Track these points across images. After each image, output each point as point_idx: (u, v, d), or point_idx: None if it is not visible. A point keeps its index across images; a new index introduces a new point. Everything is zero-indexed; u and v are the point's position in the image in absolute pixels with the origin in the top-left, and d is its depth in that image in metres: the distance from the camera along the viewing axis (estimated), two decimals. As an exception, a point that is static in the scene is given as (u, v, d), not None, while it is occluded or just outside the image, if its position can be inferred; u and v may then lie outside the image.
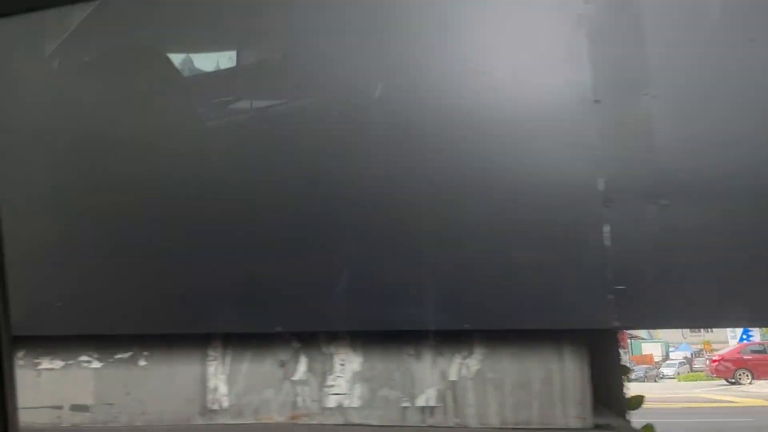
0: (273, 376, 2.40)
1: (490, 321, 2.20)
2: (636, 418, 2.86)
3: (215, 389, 2.43)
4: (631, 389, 3.15)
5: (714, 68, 2.17)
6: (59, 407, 2.51)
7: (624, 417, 2.82)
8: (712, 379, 22.30)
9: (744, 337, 25.12)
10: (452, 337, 2.30)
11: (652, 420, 2.88)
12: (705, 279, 2.08)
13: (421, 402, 2.30)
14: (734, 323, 2.17)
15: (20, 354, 2.55)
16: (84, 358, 2.52)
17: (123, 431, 2.43)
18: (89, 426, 2.46)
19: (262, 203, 2.37)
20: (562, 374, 2.22)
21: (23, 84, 2.66)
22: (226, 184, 2.39)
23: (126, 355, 2.51)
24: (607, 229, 2.11)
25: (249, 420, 2.38)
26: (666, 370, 30.08)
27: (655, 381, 27.40)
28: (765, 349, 21.25)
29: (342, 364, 2.37)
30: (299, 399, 2.38)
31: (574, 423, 2.19)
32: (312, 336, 2.39)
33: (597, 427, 2.20)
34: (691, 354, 33.30)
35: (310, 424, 2.34)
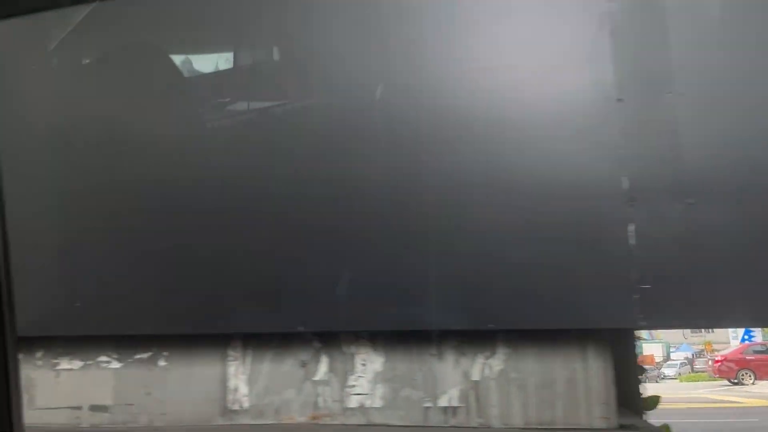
0: (294, 377, 2.39)
1: (514, 321, 2.19)
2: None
3: (236, 389, 2.42)
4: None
5: (738, 66, 2.15)
6: (78, 408, 2.50)
7: (641, 417, 2.80)
8: (714, 380, 22.25)
9: (746, 337, 25.07)
10: (475, 337, 2.29)
11: (660, 420, 2.86)
12: (731, 278, 2.07)
13: (443, 402, 2.29)
14: (762, 323, 2.16)
15: (38, 354, 2.54)
16: (103, 358, 2.51)
17: (143, 432, 2.42)
18: (109, 426, 2.45)
19: (284, 204, 2.35)
20: (586, 374, 2.21)
21: (56, 88, 2.64)
22: (248, 185, 2.38)
23: (146, 356, 2.49)
24: (631, 228, 2.10)
25: (270, 420, 2.37)
26: (667, 371, 30.02)
27: (657, 381, 27.35)
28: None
29: (363, 364, 2.36)
30: (320, 399, 2.37)
31: (598, 423, 2.18)
32: (333, 336, 2.38)
33: (622, 427, 2.19)
34: (693, 354, 33.23)
35: (331, 425, 2.33)
